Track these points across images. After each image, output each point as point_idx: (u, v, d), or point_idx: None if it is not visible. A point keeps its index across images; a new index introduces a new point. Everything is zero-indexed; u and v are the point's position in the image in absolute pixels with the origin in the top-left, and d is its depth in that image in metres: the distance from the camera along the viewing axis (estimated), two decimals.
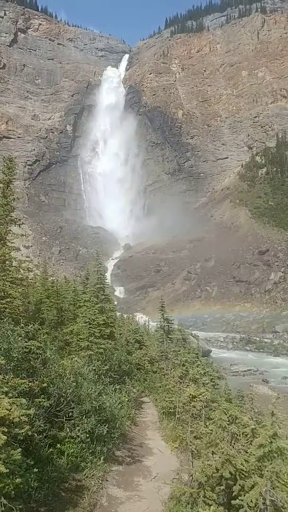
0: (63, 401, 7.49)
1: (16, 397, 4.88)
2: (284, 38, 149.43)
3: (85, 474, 7.09)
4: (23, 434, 4.75)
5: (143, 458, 9.15)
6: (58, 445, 7.22)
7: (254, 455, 5.09)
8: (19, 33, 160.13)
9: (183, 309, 78.87)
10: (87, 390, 8.15)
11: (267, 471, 4.78)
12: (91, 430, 7.59)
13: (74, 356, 10.35)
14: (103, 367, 10.93)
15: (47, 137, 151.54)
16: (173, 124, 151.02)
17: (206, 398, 8.08)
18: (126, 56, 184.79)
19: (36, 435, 6.34)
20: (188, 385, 10.88)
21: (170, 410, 12.29)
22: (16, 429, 4.62)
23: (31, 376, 6.93)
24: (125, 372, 14.38)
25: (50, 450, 6.95)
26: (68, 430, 7.41)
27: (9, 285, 11.23)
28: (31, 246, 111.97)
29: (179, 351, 18.91)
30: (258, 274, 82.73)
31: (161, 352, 20.72)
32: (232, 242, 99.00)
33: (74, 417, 7.57)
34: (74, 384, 7.97)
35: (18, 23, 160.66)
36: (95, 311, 13.16)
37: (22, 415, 4.56)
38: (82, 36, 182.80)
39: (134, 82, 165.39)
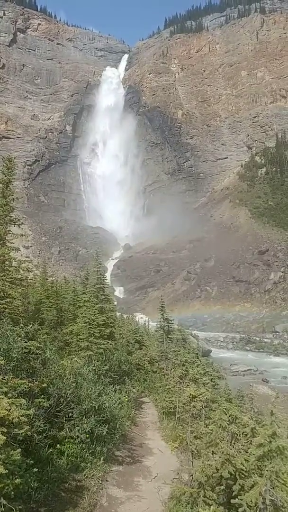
0: (63, 401, 7.49)
1: (15, 398, 4.88)
2: (283, 38, 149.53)
3: (85, 475, 7.08)
4: (23, 434, 4.75)
5: (143, 458, 9.14)
6: (58, 445, 7.22)
7: (253, 454, 5.09)
8: (18, 33, 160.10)
9: (183, 309, 78.86)
10: (87, 390, 8.15)
11: (266, 470, 4.78)
12: (91, 431, 7.59)
13: (74, 356, 10.35)
14: (103, 367, 10.93)
15: (46, 137, 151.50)
16: (172, 124, 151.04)
17: (206, 398, 8.08)
18: (126, 56, 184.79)
19: (35, 435, 6.34)
20: (188, 385, 10.87)
21: (170, 410, 12.29)
22: (15, 430, 4.61)
23: (30, 377, 6.93)
24: (125, 372, 14.37)
25: (50, 450, 6.95)
26: (68, 430, 7.41)
27: (8, 285, 11.23)
28: (31, 246, 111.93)
29: (179, 351, 18.91)
30: (258, 274, 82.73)
31: (161, 352, 20.71)
32: (231, 242, 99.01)
33: (74, 418, 7.56)
34: (74, 384, 7.96)
35: (17, 23, 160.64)
36: (95, 312, 13.16)
37: (21, 416, 4.56)
38: (81, 36, 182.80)
39: (134, 82, 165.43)
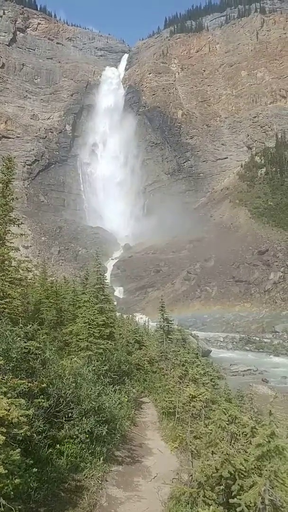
0: (63, 401, 7.49)
1: (15, 398, 4.87)
2: (283, 38, 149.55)
3: (84, 475, 7.08)
4: (22, 434, 4.74)
5: (142, 458, 9.14)
6: (58, 445, 7.22)
7: (253, 454, 5.09)
8: (18, 32, 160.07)
9: (182, 309, 78.86)
10: (87, 390, 8.14)
11: (266, 470, 4.78)
12: (90, 431, 7.58)
13: (73, 356, 10.35)
14: (103, 367, 10.92)
15: (46, 137, 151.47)
16: (172, 124, 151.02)
17: (206, 398, 8.08)
18: (126, 55, 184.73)
19: (35, 435, 6.34)
20: (187, 385, 10.88)
21: (170, 410, 12.29)
22: (15, 430, 4.61)
23: (30, 377, 6.93)
24: (124, 373, 14.37)
25: (50, 450, 6.95)
26: (67, 430, 7.40)
27: (8, 285, 11.23)
28: (30, 246, 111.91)
29: (178, 351, 18.91)
30: (257, 274, 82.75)
31: (161, 352, 20.71)
32: (231, 242, 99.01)
33: (73, 418, 7.56)
34: (74, 384, 7.96)
35: (17, 22, 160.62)
36: (94, 312, 13.16)
37: (21, 416, 4.56)
38: (81, 36, 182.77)
39: (134, 82, 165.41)
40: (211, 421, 6.77)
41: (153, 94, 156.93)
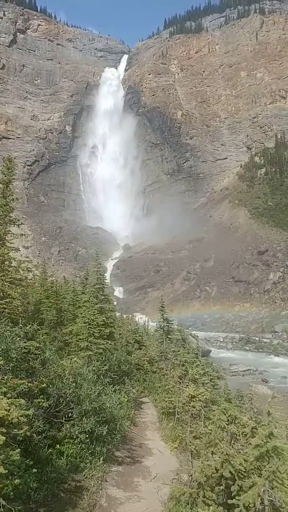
0: (63, 401, 7.49)
1: (15, 398, 4.87)
2: (282, 39, 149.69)
3: (84, 475, 7.08)
4: (22, 434, 4.74)
5: (142, 459, 9.14)
6: (58, 445, 7.21)
7: (252, 455, 5.09)
8: (18, 33, 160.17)
9: (182, 309, 78.88)
10: (87, 390, 8.14)
11: (265, 471, 4.78)
12: (90, 431, 7.58)
13: (73, 356, 10.35)
14: (103, 367, 10.92)
15: (46, 137, 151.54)
16: (172, 124, 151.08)
17: (206, 398, 8.08)
18: (125, 56, 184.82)
19: (35, 435, 6.34)
20: (187, 385, 10.88)
21: (170, 410, 12.28)
22: (15, 430, 4.61)
23: (30, 377, 6.93)
24: (124, 373, 14.37)
25: (50, 450, 6.94)
26: (67, 430, 7.40)
27: (8, 286, 11.23)
28: (31, 246, 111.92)
29: (178, 351, 18.91)
30: (257, 274, 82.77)
31: (161, 352, 20.71)
32: (231, 242, 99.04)
33: (73, 418, 7.56)
34: (74, 384, 7.96)
35: (17, 23, 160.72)
36: (94, 312, 13.16)
37: (21, 416, 4.56)
38: (81, 37, 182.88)
39: (133, 83, 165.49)
40: (210, 421, 6.77)
41: (153, 95, 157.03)
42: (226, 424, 6.28)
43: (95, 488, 6.90)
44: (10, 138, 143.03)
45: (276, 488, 4.73)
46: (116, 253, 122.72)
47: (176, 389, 12.36)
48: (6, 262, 11.83)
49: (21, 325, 7.90)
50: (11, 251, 12.30)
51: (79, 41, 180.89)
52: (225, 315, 74.22)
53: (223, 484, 5.43)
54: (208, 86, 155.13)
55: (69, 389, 7.69)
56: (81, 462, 7.33)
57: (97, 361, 11.38)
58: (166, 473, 7.92)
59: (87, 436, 7.51)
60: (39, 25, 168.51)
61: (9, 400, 4.66)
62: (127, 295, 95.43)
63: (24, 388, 5.60)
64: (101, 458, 7.70)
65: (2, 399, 4.60)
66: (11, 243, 12.68)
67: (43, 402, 6.56)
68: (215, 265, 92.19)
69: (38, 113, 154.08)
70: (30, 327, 7.83)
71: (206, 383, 13.94)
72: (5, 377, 5.45)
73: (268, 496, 4.65)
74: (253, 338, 56.20)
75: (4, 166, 12.62)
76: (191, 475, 6.25)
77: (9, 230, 12.60)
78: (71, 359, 9.22)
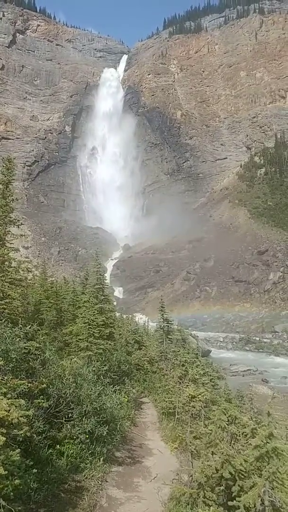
0: (63, 402, 7.48)
1: (15, 398, 4.87)
2: (282, 38, 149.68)
3: (84, 475, 7.08)
4: (22, 435, 4.74)
5: (142, 459, 9.14)
6: (58, 446, 7.21)
7: (252, 455, 5.09)
8: (17, 34, 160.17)
9: (182, 309, 78.87)
10: (87, 391, 8.14)
11: (265, 471, 4.77)
12: (91, 431, 7.58)
13: (73, 356, 10.35)
14: (103, 367, 10.92)
15: (46, 138, 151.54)
16: (172, 124, 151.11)
17: (206, 398, 8.08)
18: (125, 57, 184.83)
19: (35, 436, 6.34)
20: (187, 385, 10.88)
21: (170, 410, 12.28)
22: (15, 430, 4.61)
23: (30, 377, 6.93)
24: (124, 373, 14.37)
25: (50, 451, 6.94)
26: (67, 431, 7.40)
27: (8, 286, 11.23)
28: (30, 247, 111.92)
29: (178, 351, 18.92)
30: (257, 274, 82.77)
31: (161, 353, 20.70)
32: (231, 242, 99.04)
33: (73, 418, 7.56)
34: (74, 385, 7.96)
35: (16, 24, 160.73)
36: (94, 312, 13.16)
37: (21, 416, 4.56)
38: (80, 37, 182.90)
39: (133, 83, 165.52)
40: (211, 422, 6.76)
41: (152, 95, 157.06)
42: (226, 424, 6.28)
43: (95, 488, 6.90)
44: (10, 139, 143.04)
45: (276, 489, 4.72)
46: (116, 253, 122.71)
47: (176, 389, 12.36)
48: (6, 263, 11.83)
49: (21, 326, 7.90)
50: (11, 251, 12.30)
51: (79, 41, 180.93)
52: (225, 315, 74.22)
53: (223, 485, 5.43)
54: (207, 86, 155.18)
55: (69, 390, 7.69)
56: (81, 462, 7.32)
57: (97, 361, 11.38)
58: (166, 474, 7.92)
59: (87, 436, 7.51)
60: (38, 25, 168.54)
61: (9, 400, 4.66)
62: (127, 295, 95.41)
63: (24, 388, 5.60)
64: (101, 459, 7.70)
65: (2, 399, 4.59)
66: (11, 243, 12.68)
67: (43, 402, 6.56)
68: (215, 265, 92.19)
69: (38, 113, 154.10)
70: (30, 328, 7.83)
71: (206, 383, 13.94)
72: (5, 377, 5.45)
73: (269, 496, 4.65)
74: (253, 338, 56.19)
75: (3, 166, 12.62)
76: (191, 476, 6.25)
77: (9, 231, 12.60)
78: (71, 360, 9.22)
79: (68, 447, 7.34)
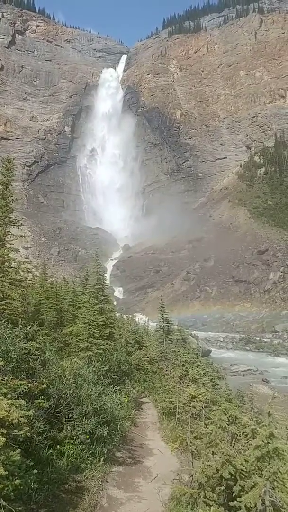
0: (63, 402, 7.48)
1: (15, 399, 4.87)
2: (281, 38, 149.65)
3: (85, 475, 7.08)
4: (23, 435, 4.74)
5: (143, 459, 9.14)
6: (58, 446, 7.21)
7: (253, 455, 5.09)
8: (17, 34, 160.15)
9: (182, 309, 78.85)
10: (87, 391, 8.14)
11: (266, 471, 4.77)
12: (91, 431, 7.58)
13: (73, 357, 10.35)
14: (103, 368, 10.92)
15: (45, 138, 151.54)
16: (171, 124, 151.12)
17: (206, 398, 8.08)
18: (124, 57, 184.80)
19: (35, 436, 6.34)
20: (188, 386, 10.87)
21: (170, 410, 12.28)
22: (15, 431, 4.61)
23: (30, 378, 6.93)
24: (124, 373, 14.36)
25: (50, 451, 6.95)
26: (68, 431, 7.40)
27: (8, 286, 11.23)
28: (30, 247, 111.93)
29: (178, 351, 18.92)
30: (257, 274, 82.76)
31: (161, 353, 20.70)
32: (231, 242, 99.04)
33: (74, 418, 7.56)
34: (74, 385, 7.96)
35: (15, 24, 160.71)
36: (94, 312, 13.16)
37: (21, 417, 4.56)
38: (79, 37, 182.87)
39: (132, 83, 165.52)
40: (211, 422, 6.76)
41: (152, 95, 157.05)
42: (227, 424, 6.28)
43: (95, 488, 6.90)
44: (9, 139, 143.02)
45: (277, 489, 4.72)
46: (116, 254, 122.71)
47: (176, 390, 12.35)
48: (6, 263, 11.83)
49: (21, 326, 7.90)
50: (11, 252, 12.30)
51: (78, 41, 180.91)
52: (225, 315, 74.21)
53: (224, 485, 5.42)
54: (207, 86, 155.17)
55: (70, 390, 7.68)
56: (81, 462, 7.33)
57: (97, 361, 11.38)
58: (166, 474, 7.92)
59: (87, 436, 7.51)
60: (37, 26, 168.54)
61: (9, 401, 4.66)
62: (127, 295, 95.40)
63: (25, 389, 5.60)
64: (102, 459, 7.70)
65: (2, 400, 4.59)
66: (11, 244, 12.68)
67: (44, 403, 6.56)
68: (215, 265, 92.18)
69: (37, 114, 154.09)
70: (30, 328, 7.83)
71: (207, 383, 13.94)
72: (5, 378, 5.45)
73: (269, 496, 4.65)
74: (254, 338, 56.18)
75: (3, 167, 12.62)
76: (191, 476, 6.25)
77: (9, 231, 12.60)
78: (71, 360, 9.22)
79: (69, 448, 7.34)
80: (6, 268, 11.75)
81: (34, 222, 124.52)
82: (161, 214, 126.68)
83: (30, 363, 7.29)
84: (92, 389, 8.26)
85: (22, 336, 7.49)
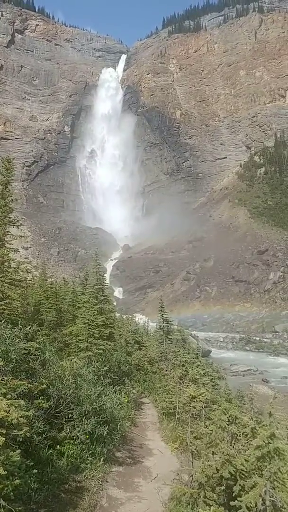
0: (63, 402, 7.48)
1: (15, 399, 4.87)
2: (281, 37, 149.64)
3: (85, 475, 7.08)
4: (22, 435, 4.74)
5: (143, 459, 9.14)
6: (58, 446, 7.21)
7: (253, 455, 5.09)
8: (16, 34, 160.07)
9: (182, 309, 78.87)
10: (87, 391, 8.14)
11: (266, 471, 4.77)
12: (91, 431, 7.58)
13: (73, 357, 10.34)
14: (103, 368, 10.92)
15: (45, 138, 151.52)
16: (171, 124, 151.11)
17: (206, 398, 8.07)
18: (124, 56, 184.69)
19: (35, 436, 6.34)
20: (188, 386, 10.87)
21: (170, 410, 12.29)
22: (15, 431, 4.61)
23: (30, 378, 6.92)
24: (124, 373, 14.36)
25: (50, 451, 6.95)
26: (68, 431, 7.40)
27: (7, 287, 11.22)
28: (30, 247, 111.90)
29: (178, 351, 18.93)
30: (257, 274, 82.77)
31: (161, 353, 20.70)
32: (231, 242, 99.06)
33: (73, 418, 7.56)
34: (74, 385, 7.96)
35: (15, 24, 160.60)
36: (94, 312, 13.15)
37: (21, 417, 4.55)
38: (79, 37, 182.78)
39: (132, 83, 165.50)
40: (211, 422, 6.76)
41: (152, 95, 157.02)
42: (227, 424, 6.28)
43: (95, 488, 6.90)
44: (9, 139, 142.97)
45: (277, 489, 4.72)
46: (116, 254, 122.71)
47: (176, 390, 12.35)
48: (6, 263, 11.83)
49: (20, 326, 7.89)
50: (10, 252, 12.29)
51: (77, 41, 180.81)
52: (225, 315, 74.23)
53: (224, 485, 5.42)
54: (207, 86, 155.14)
55: (69, 390, 7.68)
56: (81, 462, 7.33)
57: (97, 362, 11.37)
58: (166, 474, 7.92)
59: (87, 436, 7.51)
60: (37, 25, 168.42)
61: (9, 401, 4.66)
62: (127, 295, 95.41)
63: (24, 389, 5.59)
64: (102, 459, 7.70)
65: (2, 400, 4.59)
66: (10, 244, 12.68)
67: (43, 403, 6.56)
68: (215, 265, 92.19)
69: (37, 113, 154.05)
70: (29, 328, 7.82)
71: (207, 383, 13.94)
72: (5, 378, 5.45)
73: (270, 496, 4.65)
74: (254, 338, 56.20)
75: (3, 167, 12.62)
76: (191, 476, 6.25)
77: (9, 231, 12.61)
78: (71, 360, 9.22)
79: (69, 448, 7.34)
80: (5, 268, 11.75)
81: (33, 222, 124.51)
82: (161, 214, 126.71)
83: (30, 363, 7.29)
84: (92, 389, 8.26)
85: (22, 336, 7.49)
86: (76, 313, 16.22)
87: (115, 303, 49.29)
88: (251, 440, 5.73)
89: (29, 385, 5.85)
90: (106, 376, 10.76)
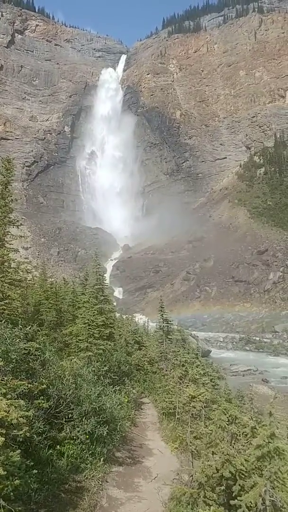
0: (63, 402, 7.48)
1: (15, 399, 4.87)
2: (281, 37, 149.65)
3: (85, 475, 7.07)
4: (22, 435, 4.74)
5: (143, 459, 9.14)
6: (58, 446, 7.21)
7: (253, 455, 5.09)
8: (16, 34, 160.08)
9: (182, 309, 78.88)
10: (87, 391, 8.14)
11: (266, 471, 4.77)
12: (91, 431, 7.58)
13: (73, 357, 10.34)
14: (103, 368, 10.92)
15: (45, 138, 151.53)
16: (171, 124, 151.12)
17: (206, 398, 8.08)
18: (124, 56, 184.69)
19: (35, 436, 6.34)
20: (187, 386, 10.87)
21: (170, 410, 12.28)
22: (15, 431, 4.61)
23: (30, 378, 6.92)
24: (124, 373, 14.36)
25: (50, 451, 6.94)
26: (68, 431, 7.40)
27: (7, 287, 11.22)
28: (30, 247, 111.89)
29: (178, 351, 18.93)
30: (257, 274, 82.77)
31: (161, 353, 20.70)
32: (231, 242, 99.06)
33: (73, 419, 7.56)
34: (74, 385, 7.95)
35: (15, 24, 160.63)
36: (94, 312, 13.15)
37: (20, 417, 4.55)
38: (79, 37, 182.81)
39: (132, 83, 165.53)
40: (211, 422, 6.77)
41: (152, 95, 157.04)
42: (227, 424, 6.28)
43: (95, 488, 6.90)
44: (9, 139, 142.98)
45: (277, 488, 4.72)
46: (116, 254, 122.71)
47: (176, 390, 12.35)
48: (6, 263, 11.83)
49: (20, 326, 7.89)
50: (10, 252, 12.29)
51: (77, 41, 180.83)
52: (225, 315, 74.23)
53: (224, 484, 5.42)
54: (207, 86, 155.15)
55: (69, 390, 7.68)
56: (81, 462, 7.32)
57: (97, 362, 11.38)
58: (166, 474, 7.92)
59: (87, 436, 7.51)
60: (37, 25, 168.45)
61: (9, 401, 4.66)
62: (127, 295, 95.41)
63: (24, 389, 5.59)
64: (102, 459, 7.69)
65: (2, 400, 4.59)
66: (10, 244, 12.68)
67: (43, 403, 6.56)
68: (214, 265, 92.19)
69: (37, 114, 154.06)
70: (30, 328, 7.82)
71: (207, 383, 13.95)
72: (5, 378, 5.45)
73: (270, 496, 4.65)
74: (254, 338, 56.20)
75: (3, 167, 12.62)
76: (191, 475, 6.25)
77: (9, 231, 12.61)
78: (71, 360, 9.22)
79: (69, 448, 7.34)
80: (5, 268, 11.75)
81: (33, 222, 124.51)
82: (161, 214, 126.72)
83: (30, 364, 7.29)
84: (91, 389, 8.26)
85: (22, 336, 7.49)
86: (76, 313, 16.22)
87: (115, 303, 49.27)
88: (251, 440, 5.73)
89: (29, 385, 5.85)
90: (106, 376, 10.77)
